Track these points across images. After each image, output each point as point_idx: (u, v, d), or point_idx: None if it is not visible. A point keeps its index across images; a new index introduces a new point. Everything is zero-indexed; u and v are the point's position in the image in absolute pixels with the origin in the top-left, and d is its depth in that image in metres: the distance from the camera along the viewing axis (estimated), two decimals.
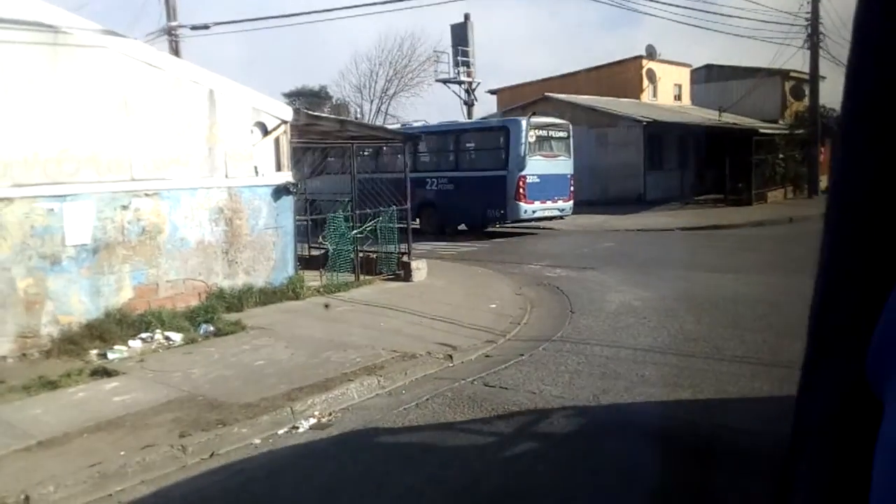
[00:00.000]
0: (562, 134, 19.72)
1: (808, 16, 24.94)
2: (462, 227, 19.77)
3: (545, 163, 18.74)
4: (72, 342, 7.68)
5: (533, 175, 18.12)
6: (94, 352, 7.54)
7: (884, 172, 0.65)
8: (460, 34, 26.27)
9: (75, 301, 7.91)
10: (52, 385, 6.42)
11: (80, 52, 7.87)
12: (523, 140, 17.95)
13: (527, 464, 4.68)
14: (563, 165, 19.48)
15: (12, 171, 7.33)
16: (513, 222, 18.90)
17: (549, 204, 18.70)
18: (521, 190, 17.88)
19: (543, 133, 19.01)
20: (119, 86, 8.27)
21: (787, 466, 0.76)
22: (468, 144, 20.05)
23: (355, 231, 11.44)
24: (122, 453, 4.85)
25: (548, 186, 18.54)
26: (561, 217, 19.63)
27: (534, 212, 18.43)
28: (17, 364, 7.29)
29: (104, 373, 6.79)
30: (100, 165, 8.09)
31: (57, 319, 7.74)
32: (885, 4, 0.66)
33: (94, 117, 8.04)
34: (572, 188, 19.63)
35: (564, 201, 19.31)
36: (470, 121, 25.61)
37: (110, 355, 7.38)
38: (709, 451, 4.78)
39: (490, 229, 19.41)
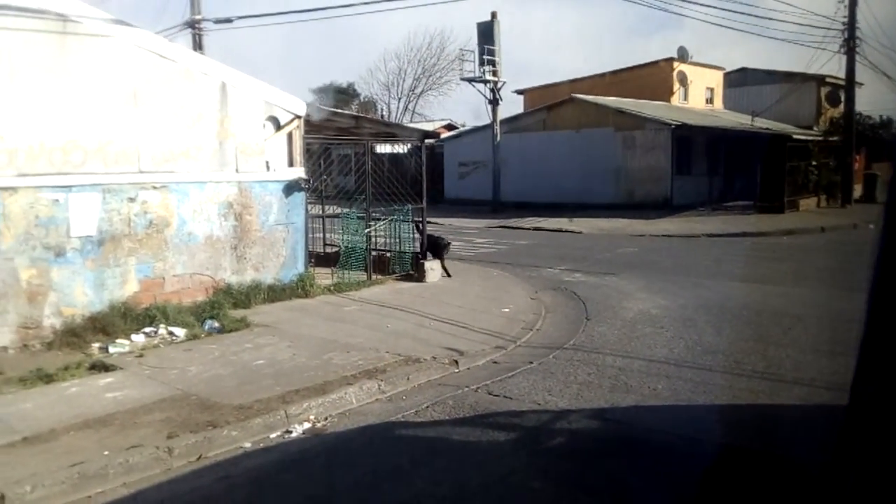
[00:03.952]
0: None
1: (846, 20, 24.18)
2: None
3: None
4: (74, 335, 7.58)
5: None
6: (96, 345, 7.43)
7: None
8: (486, 32, 25.95)
9: (79, 293, 7.81)
10: (48, 378, 6.31)
11: (89, 41, 7.77)
12: None
13: (523, 480, 4.41)
14: None
15: (17, 160, 7.24)
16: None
17: None
18: None
19: None
20: (129, 76, 8.16)
21: (840, 448, 0.81)
22: None
23: (368, 229, 11.24)
24: (105, 453, 4.69)
25: None
26: None
27: None
28: (18, 355, 7.20)
29: (102, 367, 6.67)
30: (107, 156, 7.98)
31: (60, 311, 7.65)
32: None
33: (103, 108, 7.93)
34: None
35: None
36: None
37: (111, 349, 7.26)
38: (720, 473, 4.45)
39: (513, 227, 18.86)
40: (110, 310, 7.98)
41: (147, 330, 7.82)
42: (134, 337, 7.65)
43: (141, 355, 7.08)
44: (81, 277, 7.84)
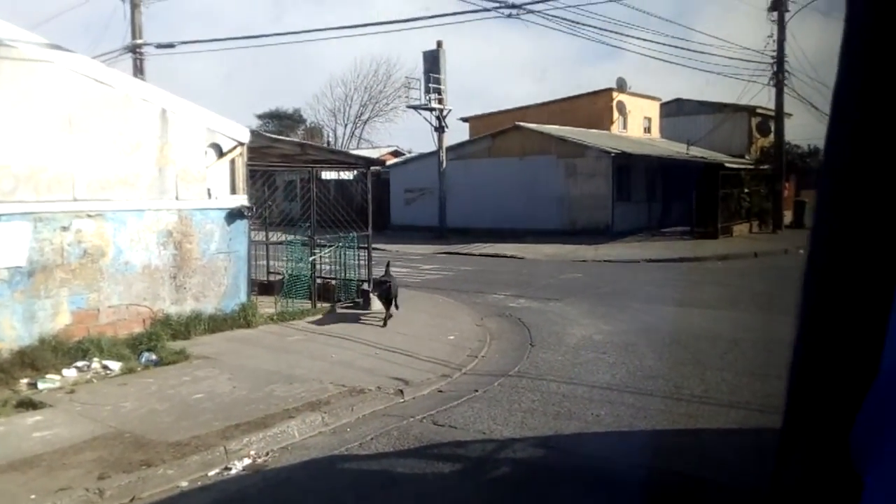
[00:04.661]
0: None
1: (775, 54, 25.46)
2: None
3: None
4: (1, 370, 7.20)
5: None
6: (24, 381, 7.08)
7: (863, 240, 0.66)
8: (432, 61, 26.28)
9: (6, 326, 7.46)
10: None
11: (23, 65, 7.53)
12: None
13: None
14: None
15: None
16: None
17: None
18: None
19: None
20: (64, 102, 7.92)
21: (775, 473, 0.78)
22: None
23: (313, 257, 11.13)
24: (32, 496, 4.47)
25: None
26: None
27: None
28: None
29: (30, 405, 6.35)
30: (39, 184, 7.70)
31: None
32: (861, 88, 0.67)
33: (36, 134, 7.67)
34: None
35: None
36: None
37: (40, 385, 6.93)
38: (661, 500, 4.53)
39: (459, 253, 18.92)
40: (40, 343, 7.63)
41: (79, 364, 7.50)
42: (65, 372, 7.32)
43: (72, 391, 6.79)
44: (9, 310, 7.49)
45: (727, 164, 26.68)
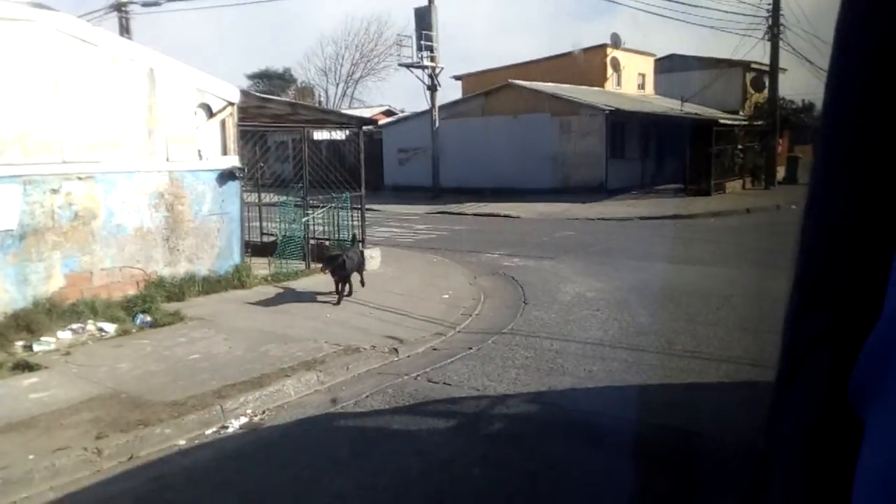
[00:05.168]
0: None
1: (770, 7, 25.09)
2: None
3: None
4: None
5: None
6: (19, 343, 7.10)
7: (864, 183, 0.65)
8: (424, 18, 25.78)
9: (0, 290, 7.45)
10: None
11: (5, 25, 7.35)
12: None
13: (463, 467, 4.46)
14: None
15: None
16: None
17: None
18: None
19: None
20: (49, 63, 7.76)
21: (759, 479, 0.77)
22: None
23: (306, 218, 11.09)
24: (30, 457, 4.51)
25: None
26: None
27: None
28: None
29: (26, 367, 6.39)
30: (27, 147, 7.59)
31: None
32: (868, 13, 0.65)
33: (22, 96, 7.53)
34: None
35: None
36: None
37: (36, 347, 6.96)
38: (653, 454, 4.62)
39: (453, 213, 18.91)
40: (34, 306, 7.64)
41: (74, 326, 7.52)
42: (60, 334, 7.34)
43: (68, 353, 6.81)
44: (2, 273, 7.46)
45: (721, 121, 26.50)
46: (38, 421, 5.12)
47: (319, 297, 9.19)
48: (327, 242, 11.76)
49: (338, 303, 8.79)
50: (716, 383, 5.97)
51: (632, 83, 33.89)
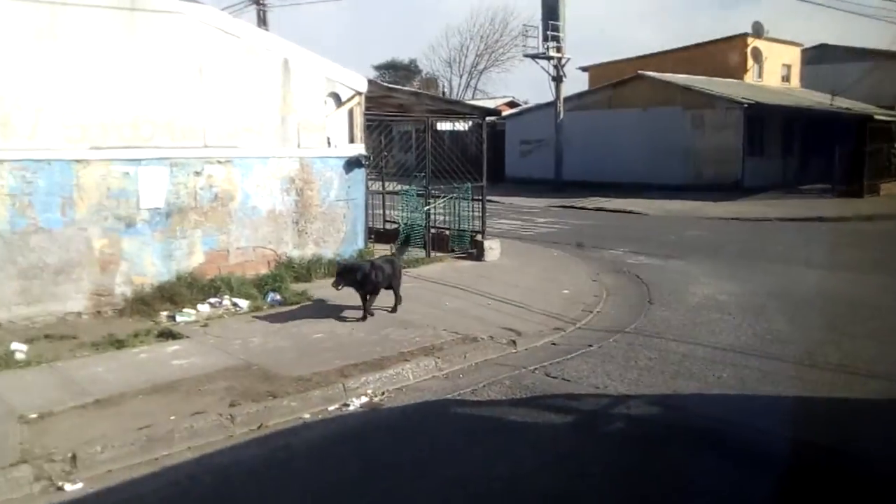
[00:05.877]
0: None
1: None
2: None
3: None
4: (144, 303, 7.84)
5: None
6: (164, 313, 7.67)
7: None
8: (551, 7, 25.35)
9: (148, 263, 8.07)
10: (119, 344, 6.56)
11: (156, 17, 7.92)
12: None
13: (580, 464, 4.31)
14: None
15: (90, 134, 7.48)
16: None
17: None
18: None
19: None
20: (195, 52, 8.29)
21: None
22: None
23: (428, 207, 11.21)
24: (172, 418, 4.84)
25: None
26: None
27: None
28: (91, 321, 7.51)
29: (169, 335, 6.88)
30: (174, 131, 8.16)
31: (130, 280, 7.92)
32: None
33: (170, 83, 8.10)
34: None
35: None
36: None
37: (178, 318, 7.49)
38: (789, 470, 4.25)
39: (575, 207, 18.41)
40: (177, 280, 8.22)
41: (212, 300, 8.02)
42: (199, 307, 7.86)
43: (206, 325, 7.28)
44: (150, 248, 8.09)
45: (876, 117, 24.24)
46: (179, 385, 5.49)
47: (439, 285, 9.26)
48: (447, 232, 11.85)
49: (363, 318, 7.45)
50: (861, 399, 5.43)
51: (775, 75, 31.72)
